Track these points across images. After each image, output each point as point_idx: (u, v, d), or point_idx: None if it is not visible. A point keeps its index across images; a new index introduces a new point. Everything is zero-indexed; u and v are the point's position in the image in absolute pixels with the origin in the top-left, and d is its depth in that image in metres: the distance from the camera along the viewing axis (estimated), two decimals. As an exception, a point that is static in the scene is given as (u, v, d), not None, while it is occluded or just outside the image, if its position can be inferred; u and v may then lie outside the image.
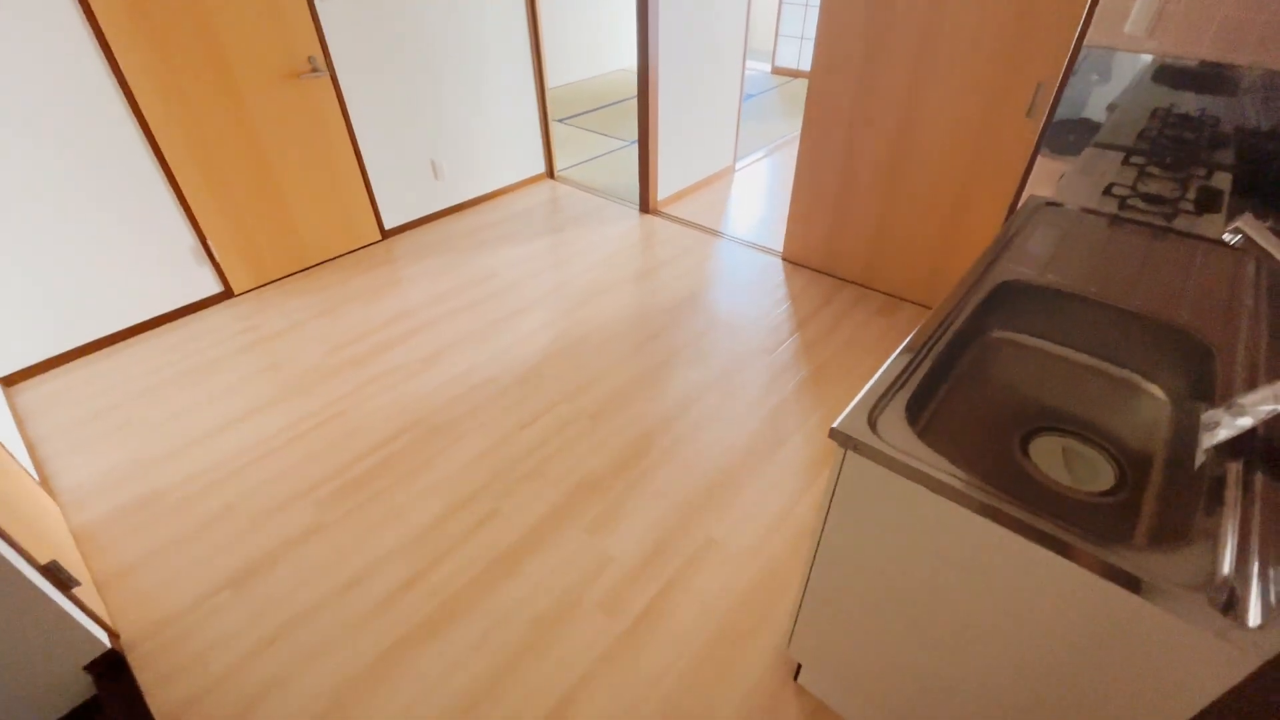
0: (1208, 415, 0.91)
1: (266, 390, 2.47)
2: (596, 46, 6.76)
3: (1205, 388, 1.05)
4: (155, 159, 2.60)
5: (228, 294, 3.04)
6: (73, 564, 1.59)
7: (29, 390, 2.49)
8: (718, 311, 2.90)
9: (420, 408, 2.37)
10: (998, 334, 1.33)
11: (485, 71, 3.64)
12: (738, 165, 4.54)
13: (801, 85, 6.50)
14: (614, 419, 2.30)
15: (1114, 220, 1.50)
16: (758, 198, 4.05)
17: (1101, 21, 2.00)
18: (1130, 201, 1.54)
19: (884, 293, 3.01)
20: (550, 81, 6.50)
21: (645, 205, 3.84)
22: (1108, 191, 1.57)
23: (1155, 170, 1.69)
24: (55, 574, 1.36)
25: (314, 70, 2.92)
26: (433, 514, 1.95)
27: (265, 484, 2.07)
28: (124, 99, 2.45)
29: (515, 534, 1.89)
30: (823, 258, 3.15)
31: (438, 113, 3.51)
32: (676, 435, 2.23)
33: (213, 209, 2.83)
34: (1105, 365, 1.24)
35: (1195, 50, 1.89)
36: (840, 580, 1.14)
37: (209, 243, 2.87)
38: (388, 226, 3.57)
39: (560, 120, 5.53)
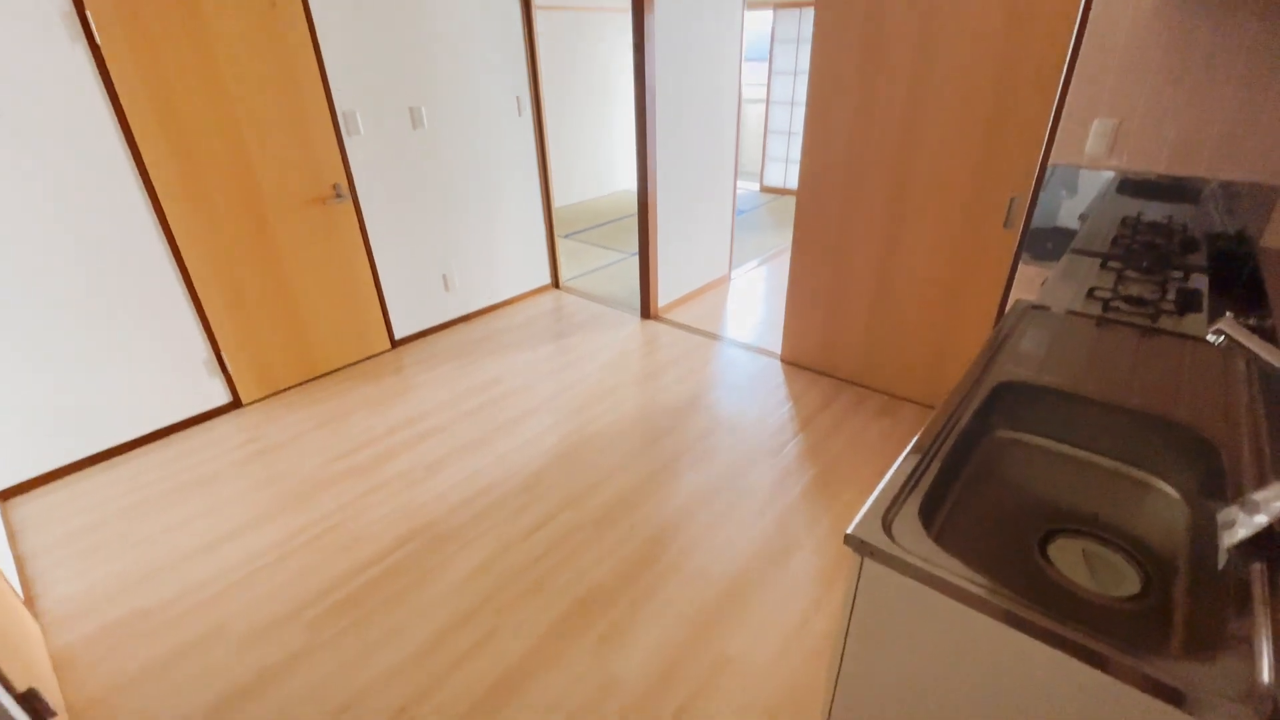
0: (1224, 514, 0.90)
1: (265, 503, 2.43)
2: (599, 170, 7.31)
3: (1217, 485, 1.05)
4: (178, 270, 2.74)
5: (236, 404, 3.08)
6: (51, 690, 1.50)
7: (26, 504, 2.45)
8: (720, 413, 2.92)
9: (420, 517, 2.32)
10: (1003, 434, 1.35)
11: (497, 193, 3.92)
12: (733, 274, 4.75)
13: (789, 201, 6.95)
14: (619, 526, 2.25)
15: (1100, 321, 1.56)
16: (754, 303, 4.20)
17: (1063, 144, 2.19)
18: (1113, 304, 1.61)
19: (884, 393, 3.04)
20: (556, 201, 6.96)
21: (646, 311, 3.98)
22: (1090, 294, 1.65)
23: (1133, 274, 1.78)
24: (32, 702, 1.28)
25: (338, 196, 3.15)
26: (430, 633, 1.86)
27: (256, 603, 1.98)
28: (153, 212, 2.62)
29: (516, 654, 1.78)
30: (821, 359, 3.22)
31: (451, 230, 3.74)
32: (684, 543, 2.17)
33: (229, 321, 2.94)
34: (1115, 464, 1.24)
35: (1153, 167, 2.05)
36: (867, 695, 1.07)
37: (223, 355, 2.95)
38: (398, 336, 3.68)
39: (565, 236, 5.87)
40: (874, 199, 2.73)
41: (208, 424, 2.97)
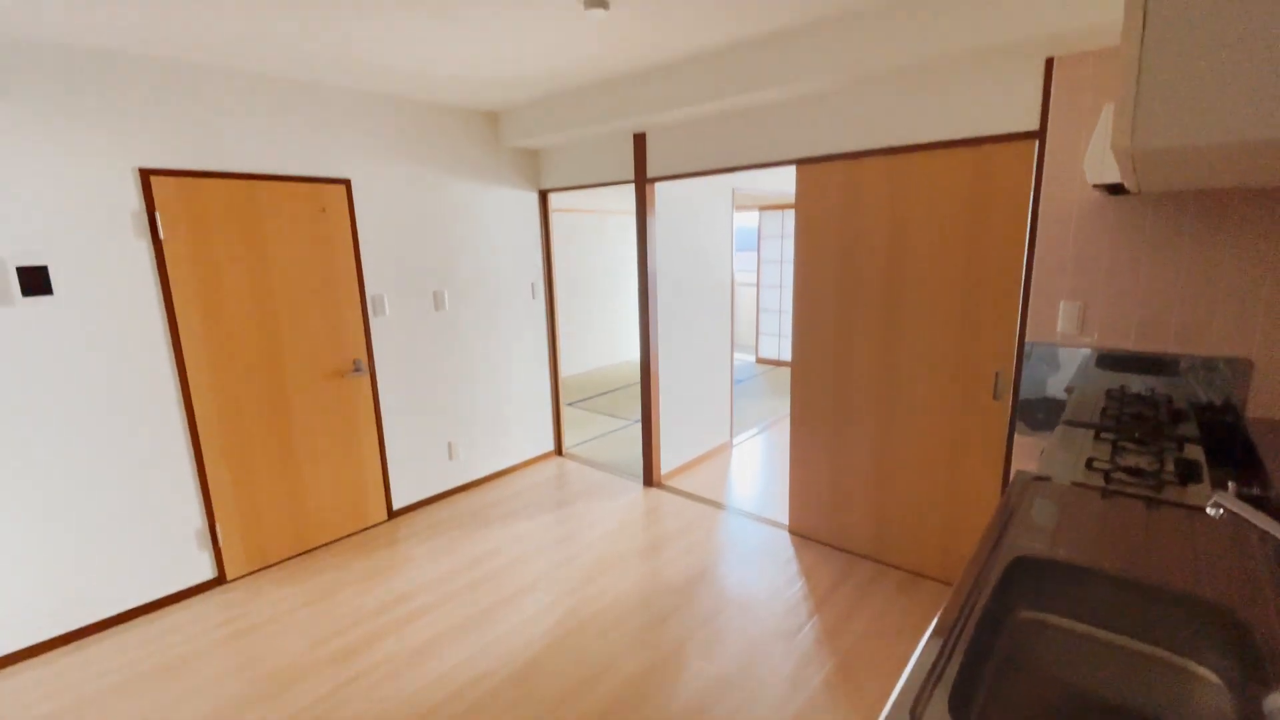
0: (1270, 702, 0.84)
1: (236, 692, 2.22)
2: (606, 342, 7.72)
3: (1258, 669, 0.98)
4: (189, 439, 2.78)
5: (220, 580, 2.93)
6: None
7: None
8: (728, 590, 2.77)
9: (399, 717, 2.10)
10: (1027, 614, 1.28)
11: (508, 367, 4.11)
12: (735, 441, 4.80)
13: (783, 372, 7.23)
14: (622, 724, 2.02)
15: (1104, 493, 1.56)
16: (757, 471, 4.18)
17: (1036, 322, 2.36)
18: (1114, 475, 1.62)
19: (900, 568, 2.91)
20: (564, 371, 7.24)
21: (649, 479, 3.95)
22: (1090, 465, 1.67)
23: (1128, 445, 1.81)
24: None
25: (356, 370, 3.31)
26: None
27: (204, 823, 1.72)
28: (178, 382, 2.73)
29: None
30: (830, 531, 3.13)
31: (461, 401, 3.86)
32: (694, 745, 1.93)
33: (230, 492, 2.92)
34: (1148, 648, 1.17)
35: (1123, 344, 2.19)
36: None
37: (216, 527, 2.88)
38: (397, 506, 3.62)
39: (571, 404, 6.02)
40: (864, 373, 2.86)
41: (189, 601, 2.80)
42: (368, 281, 3.33)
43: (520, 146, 3.96)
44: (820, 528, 3.17)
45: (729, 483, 4.00)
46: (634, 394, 6.34)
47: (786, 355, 7.60)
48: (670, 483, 4.01)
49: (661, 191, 3.70)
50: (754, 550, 3.12)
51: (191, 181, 2.68)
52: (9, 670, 2.37)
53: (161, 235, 2.61)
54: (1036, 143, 2.25)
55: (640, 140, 3.49)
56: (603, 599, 2.73)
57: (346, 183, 3.18)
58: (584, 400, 6.15)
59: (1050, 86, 2.18)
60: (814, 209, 2.90)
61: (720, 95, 2.73)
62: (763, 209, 7.52)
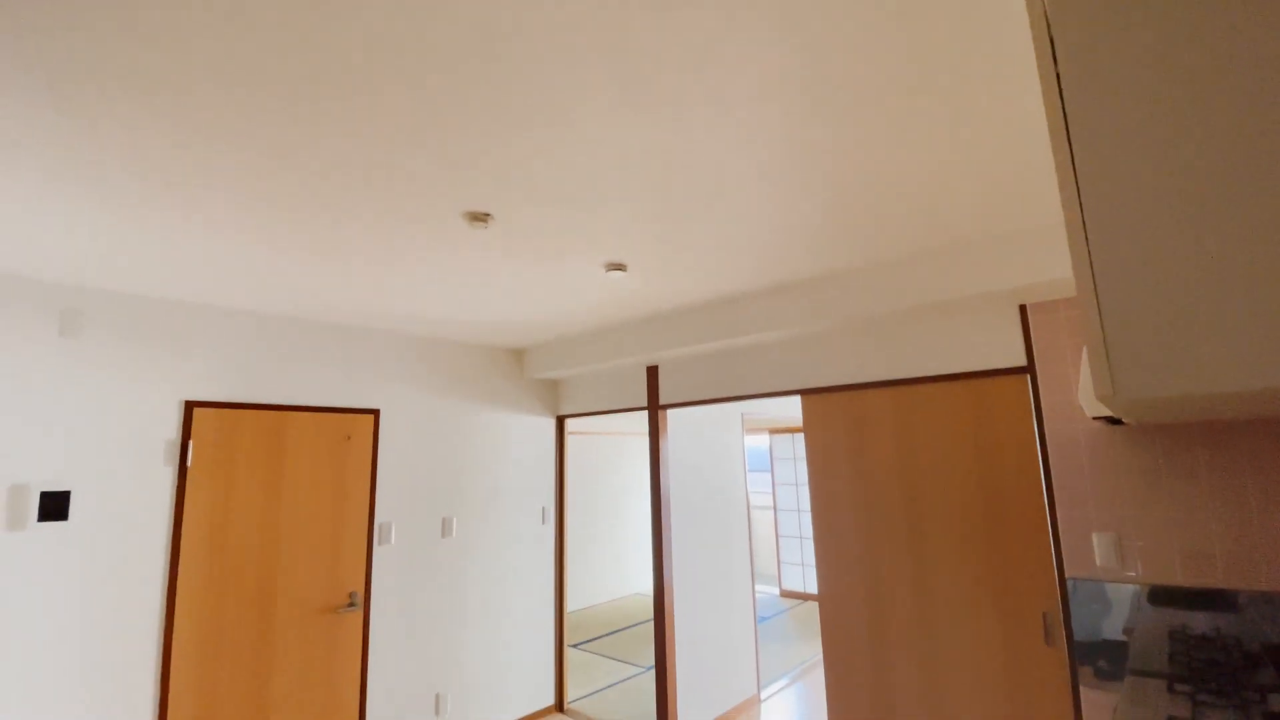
0: None
1: None
2: (612, 573, 7.29)
3: None
4: (158, 677, 2.50)
5: None
6: None
7: None
8: None
9: None
10: None
11: (510, 602, 3.85)
12: (763, 694, 4.22)
13: (811, 608, 6.66)
14: None
15: (1205, 767, 1.32)
16: (791, 734, 3.60)
17: (1073, 557, 2.23)
18: (1208, 742, 1.39)
19: None
20: (569, 605, 6.72)
21: (665, 745, 3.39)
22: (1176, 729, 1.44)
23: (1207, 698, 1.58)
24: None
25: (350, 605, 3.11)
26: None
27: None
28: (163, 614, 2.54)
29: None
30: (885, 818, 2.57)
31: (456, 642, 3.53)
32: None
33: (183, 756, 2.53)
34: None
35: (1171, 579, 2.04)
36: None
37: (155, 802, 2.45)
38: (368, 777, 3.08)
39: (575, 645, 5.47)
40: (899, 615, 2.64)
41: None
42: (379, 509, 3.31)
43: (542, 378, 4.24)
44: (873, 814, 2.61)
45: (758, 749, 3.42)
46: (644, 634, 5.78)
47: (813, 587, 7.06)
48: (689, 748, 3.44)
49: (675, 416, 3.85)
50: (794, 846, 2.54)
51: (230, 413, 2.85)
52: None
53: (189, 463, 2.69)
54: (1029, 377, 2.39)
55: (653, 371, 3.74)
56: None
57: (375, 413, 3.36)
58: (589, 641, 5.60)
59: (1029, 328, 2.39)
60: (822, 436, 2.97)
61: (724, 336, 3.01)
62: (773, 431, 7.68)
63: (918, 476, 2.64)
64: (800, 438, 7.47)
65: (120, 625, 2.45)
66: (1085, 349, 1.97)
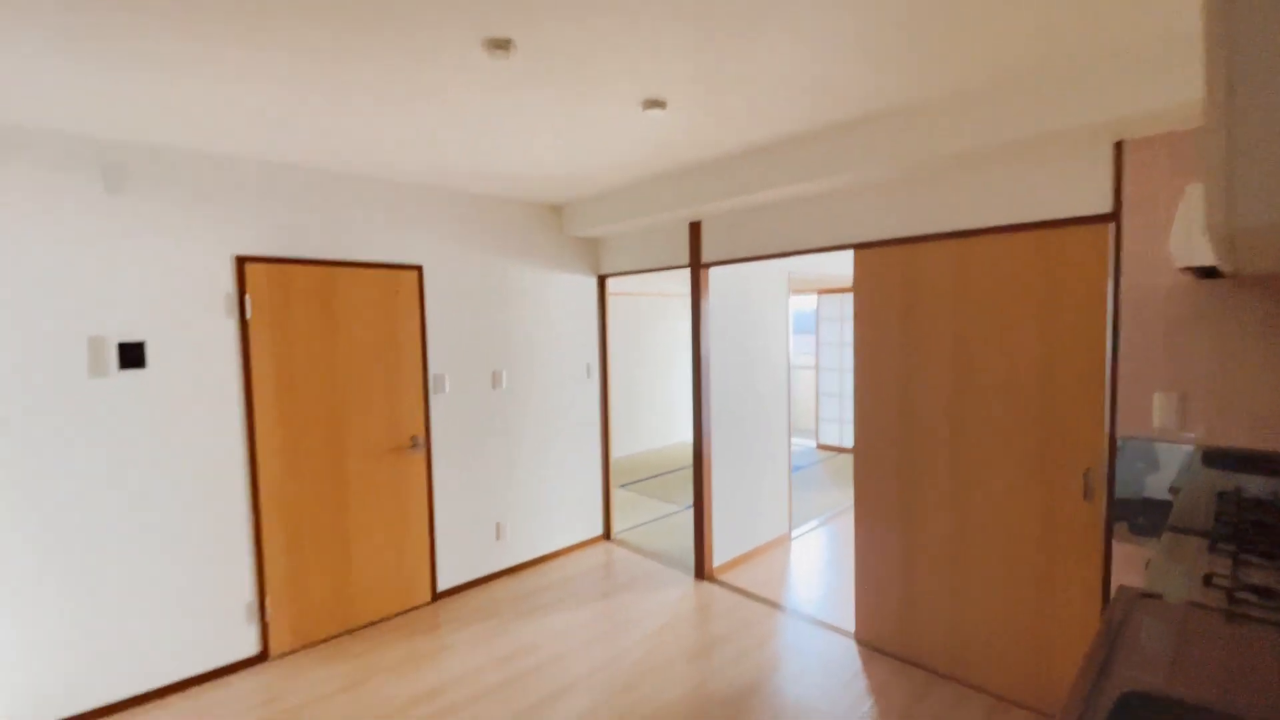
0: None
1: (259, 785, 2.12)
2: (659, 423, 7.65)
3: None
4: (251, 509, 2.85)
5: (263, 657, 2.91)
6: None
7: (12, 768, 2.24)
8: (786, 708, 2.50)
9: (426, 824, 1.93)
10: (1145, 766, 1.07)
11: (560, 446, 4.10)
12: (794, 534, 4.52)
13: (845, 460, 6.89)
14: None
15: (1229, 616, 1.33)
16: (819, 568, 3.89)
17: (1129, 416, 2.15)
18: (1239, 595, 1.39)
19: (984, 690, 2.56)
20: (616, 452, 7.18)
21: (700, 571, 3.73)
22: (1208, 583, 1.44)
23: (1253, 559, 1.57)
24: None
25: (413, 447, 3.37)
26: None
27: None
28: (246, 451, 2.84)
29: None
30: (902, 642, 2.82)
31: (512, 480, 3.85)
32: None
33: (281, 563, 2.94)
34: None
35: (1233, 440, 1.95)
36: None
37: (265, 600, 2.89)
38: (442, 587, 3.55)
39: (622, 486, 5.90)
40: (933, 466, 2.67)
41: (229, 679, 2.77)
42: (431, 361, 3.45)
43: (582, 235, 4.14)
44: (891, 638, 2.86)
45: (788, 580, 3.73)
46: (686, 478, 6.17)
47: (847, 441, 7.27)
48: (724, 577, 3.77)
49: (717, 275, 3.74)
50: (815, 661, 2.84)
51: (280, 268, 2.91)
52: (53, 740, 2.38)
53: (248, 315, 2.82)
54: (1111, 226, 2.15)
55: (696, 228, 3.58)
56: (646, 709, 2.51)
57: (419, 269, 3.39)
58: (635, 483, 6.02)
59: (1122, 169, 2.10)
60: (873, 293, 2.84)
61: (774, 185, 2.79)
62: (821, 292, 7.48)
63: (970, 333, 2.53)
64: (849, 298, 7.25)
65: (210, 460, 2.74)
66: (1193, 187, 1.72)
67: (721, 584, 3.67)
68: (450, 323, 3.54)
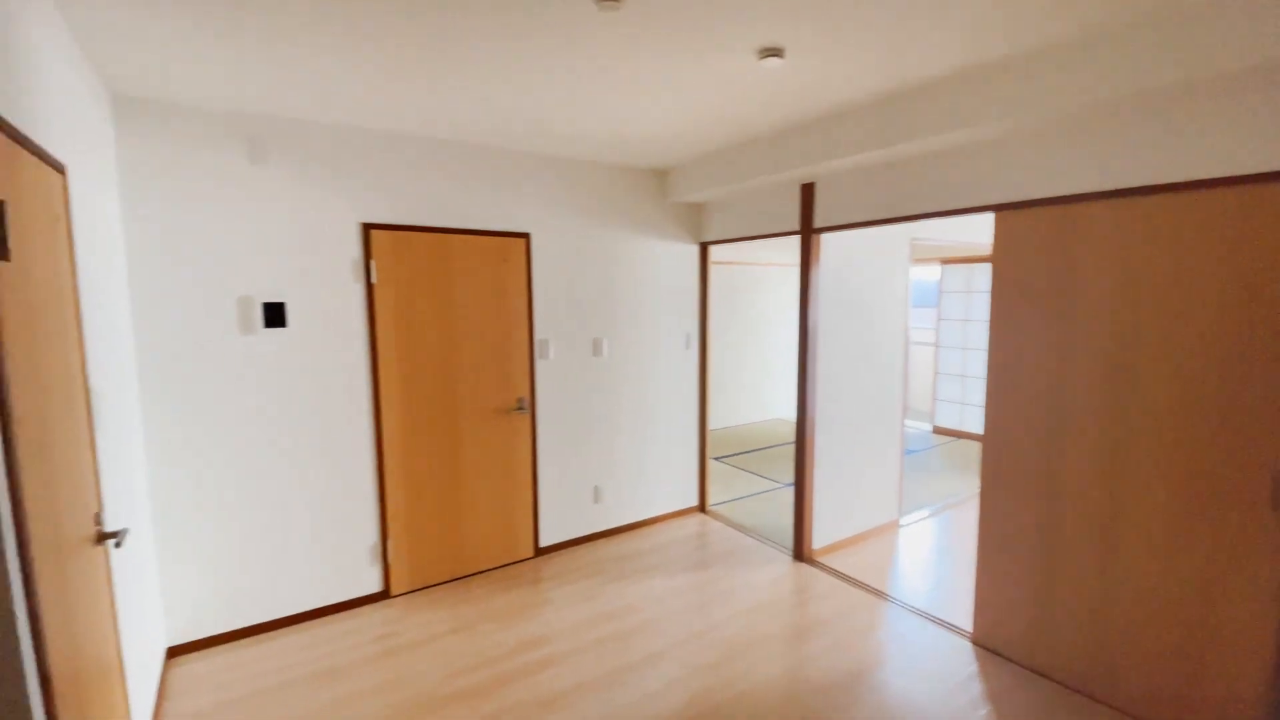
0: None
1: (375, 713, 2.32)
2: (755, 397, 7.47)
3: None
4: (375, 458, 3.09)
5: (384, 595, 3.17)
6: None
7: (182, 666, 2.60)
8: (890, 704, 2.36)
9: (523, 769, 2.03)
10: None
11: (657, 415, 4.09)
12: (903, 521, 4.25)
13: (965, 446, 6.36)
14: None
15: None
16: (931, 560, 3.63)
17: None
18: None
19: (1122, 711, 2.27)
20: (712, 425, 7.10)
21: (799, 552, 3.60)
22: None
23: None
24: None
25: (520, 408, 3.49)
26: None
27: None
28: (372, 406, 3.06)
29: None
30: (1028, 650, 2.56)
31: (611, 445, 3.89)
32: None
33: (401, 510, 3.18)
34: None
35: None
36: None
37: (388, 543, 3.14)
38: (543, 544, 3.69)
39: (717, 459, 5.83)
40: (1083, 460, 2.35)
41: (354, 611, 3.06)
42: (537, 327, 3.53)
43: (685, 201, 4.02)
44: (1016, 643, 2.61)
45: (894, 569, 3.51)
46: (784, 454, 5.97)
47: (969, 426, 6.70)
48: (824, 559, 3.62)
49: (830, 242, 3.50)
50: (924, 658, 2.65)
51: (400, 234, 3.06)
52: (201, 654, 2.74)
53: (373, 280, 3.00)
54: (1348, 178, 1.72)
55: (808, 190, 3.34)
56: (737, 686, 2.47)
57: (526, 236, 3.44)
58: (730, 456, 5.93)
59: (1371, 106, 1.66)
60: (1017, 263, 2.51)
61: (898, 140, 2.51)
62: (945, 262, 6.86)
63: (1138, 311, 2.16)
64: (976, 269, 6.59)
65: (342, 414, 2.98)
66: None
67: (822, 566, 3.53)
68: (554, 290, 3.59)
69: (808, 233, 3.38)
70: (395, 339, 3.09)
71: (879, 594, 3.21)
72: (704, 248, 4.20)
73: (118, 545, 1.62)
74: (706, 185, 3.58)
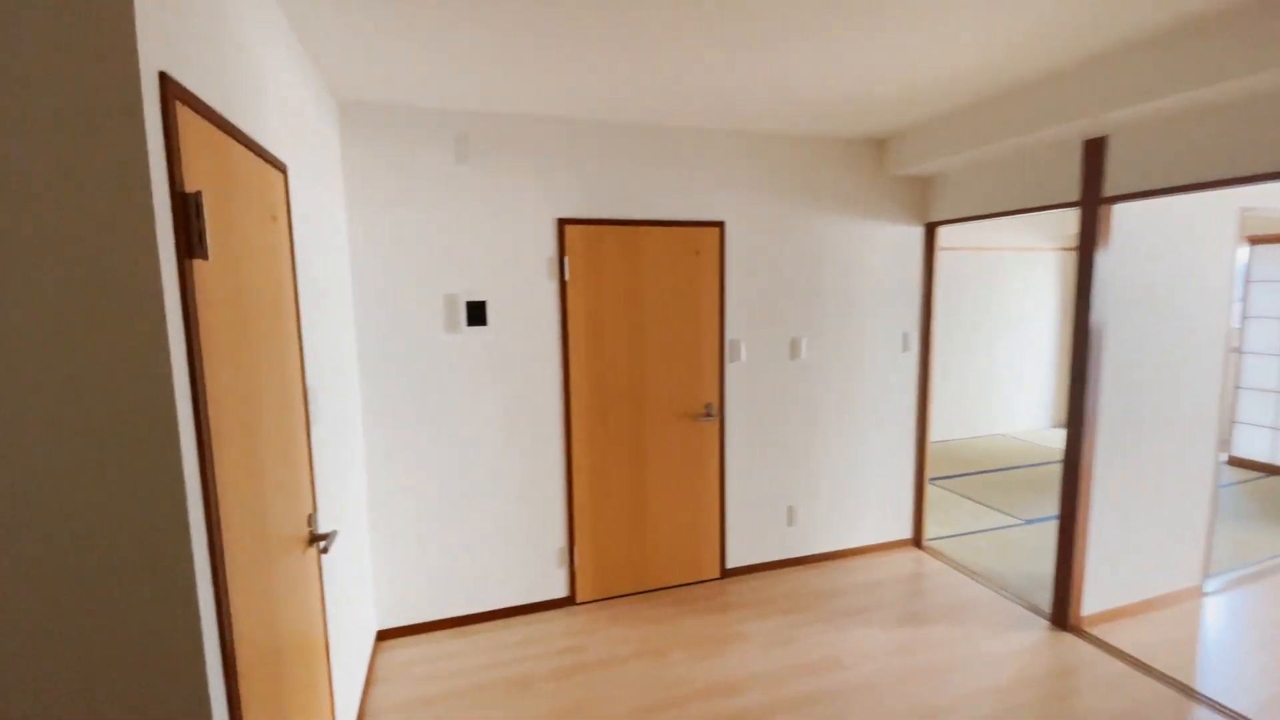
0: None
1: (564, 739, 2.16)
2: (975, 408, 6.37)
3: None
4: (564, 461, 2.98)
5: (570, 600, 3.07)
6: None
7: (389, 652, 2.70)
8: None
9: None
10: None
11: (865, 429, 3.52)
12: (1207, 586, 3.18)
13: (1275, 483, 4.75)
14: None
15: None
16: (1251, 644, 2.63)
17: None
18: None
19: None
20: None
21: (1061, 616, 2.82)
22: None
23: None
24: None
25: (707, 415, 3.18)
26: None
27: None
28: (562, 404, 2.96)
29: None
30: None
31: (808, 462, 3.42)
32: None
33: (587, 515, 3.04)
34: None
35: None
36: None
37: (574, 548, 3.03)
38: (730, 565, 3.35)
39: (932, 480, 5.01)
40: None
41: (542, 614, 2.99)
42: (728, 325, 3.19)
43: (907, 174, 3.38)
44: None
45: (1200, 654, 2.59)
46: (1018, 481, 4.95)
47: (1290, 461, 5.02)
48: (1097, 630, 2.80)
49: (1122, 214, 2.65)
50: (1292, 809, 1.83)
51: (592, 229, 2.90)
52: (408, 639, 2.82)
53: (567, 277, 2.88)
54: None
55: (1094, 147, 2.55)
56: (999, 795, 1.89)
57: (720, 225, 3.11)
58: (947, 479, 5.05)
59: None
60: None
61: (1240, 73, 1.71)
62: (1254, 241, 5.21)
63: None
64: (1315, 247, 4.87)
65: (537, 415, 2.92)
66: None
67: (1094, 640, 2.72)
68: (748, 284, 3.20)
69: (1093, 203, 2.58)
70: (584, 339, 2.95)
71: (1184, 689, 2.36)
72: (930, 229, 3.51)
73: (324, 551, 1.59)
74: (940, 152, 2.93)
